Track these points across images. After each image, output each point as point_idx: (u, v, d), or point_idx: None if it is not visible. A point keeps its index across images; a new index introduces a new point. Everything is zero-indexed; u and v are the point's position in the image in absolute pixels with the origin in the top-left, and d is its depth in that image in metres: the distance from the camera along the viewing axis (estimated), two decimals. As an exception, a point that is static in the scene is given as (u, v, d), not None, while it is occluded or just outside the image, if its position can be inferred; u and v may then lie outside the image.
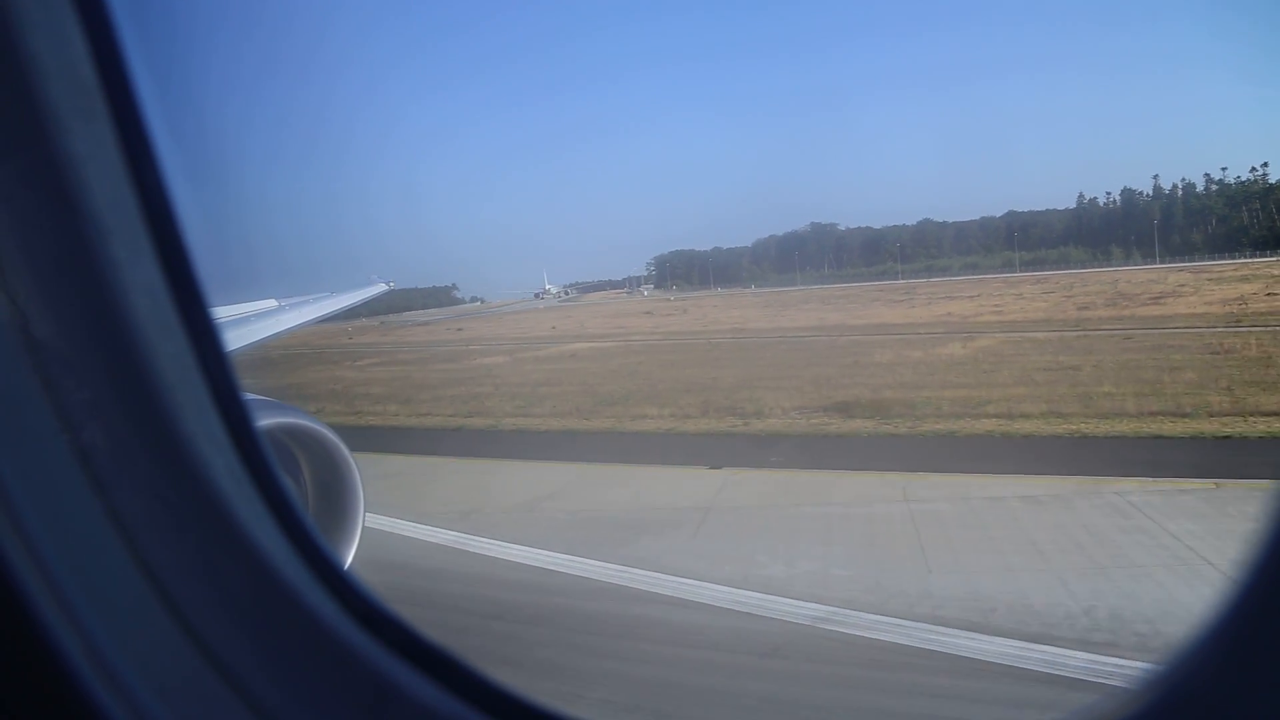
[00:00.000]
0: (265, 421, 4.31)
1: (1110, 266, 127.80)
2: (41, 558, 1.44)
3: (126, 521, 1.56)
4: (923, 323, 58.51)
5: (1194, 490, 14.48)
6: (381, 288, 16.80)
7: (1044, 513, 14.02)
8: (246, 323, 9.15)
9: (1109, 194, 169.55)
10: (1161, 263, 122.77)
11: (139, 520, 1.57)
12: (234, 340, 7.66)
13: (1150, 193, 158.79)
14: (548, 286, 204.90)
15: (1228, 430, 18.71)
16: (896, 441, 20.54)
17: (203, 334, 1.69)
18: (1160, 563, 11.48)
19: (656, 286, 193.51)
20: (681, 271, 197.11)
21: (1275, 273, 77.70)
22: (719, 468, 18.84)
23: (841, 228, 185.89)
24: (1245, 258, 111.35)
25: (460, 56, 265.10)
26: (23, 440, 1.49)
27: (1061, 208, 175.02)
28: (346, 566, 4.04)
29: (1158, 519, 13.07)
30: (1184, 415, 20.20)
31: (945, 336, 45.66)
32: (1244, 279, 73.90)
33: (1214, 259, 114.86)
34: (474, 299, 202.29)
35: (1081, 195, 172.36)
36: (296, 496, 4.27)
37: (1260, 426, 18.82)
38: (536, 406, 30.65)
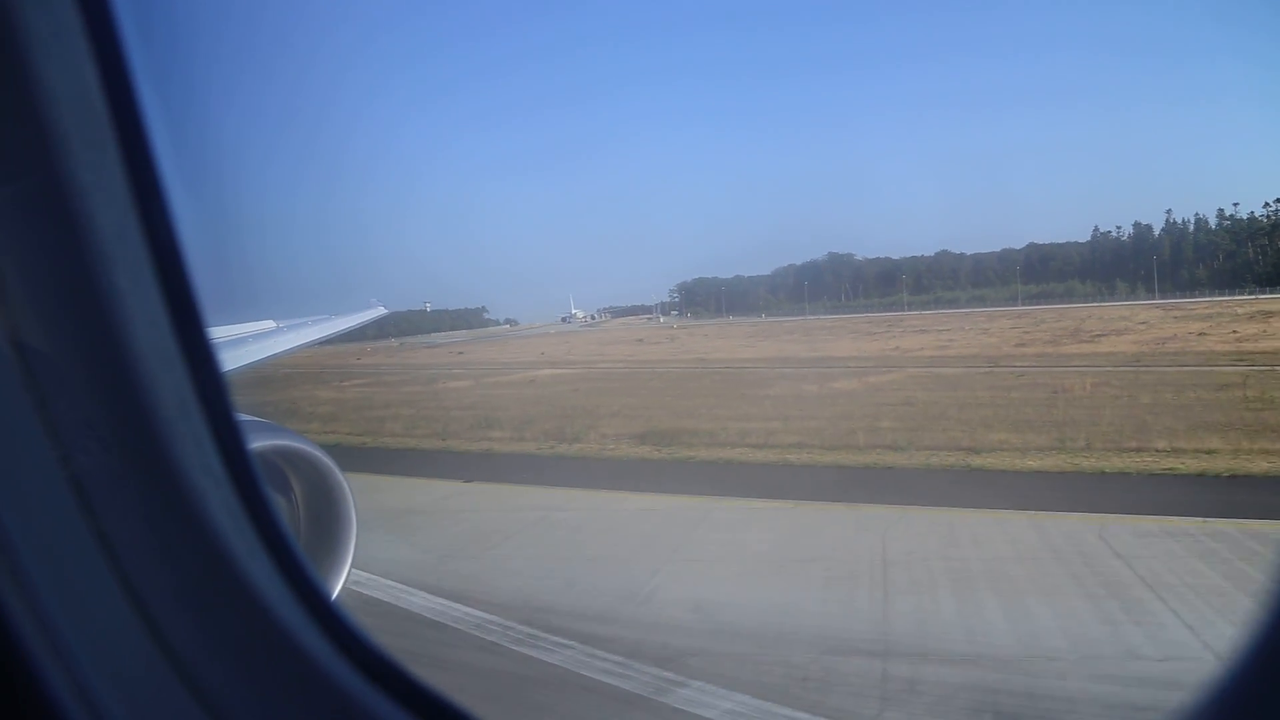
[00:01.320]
0: (258, 443, 4.27)
1: (1113, 301, 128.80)
2: (26, 578, 1.42)
3: (116, 547, 1.55)
4: (867, 356, 61.73)
5: (787, 508, 17.84)
6: (380, 310, 17.18)
7: (636, 521, 17.62)
8: (244, 344, 9.16)
9: (1118, 228, 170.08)
10: (1162, 298, 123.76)
11: (129, 546, 1.56)
12: (230, 361, 7.56)
13: (1163, 227, 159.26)
14: (574, 311, 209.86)
15: (914, 463, 22.02)
16: (640, 464, 24.22)
17: (203, 366, 1.70)
18: (636, 556, 14.89)
19: (678, 313, 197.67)
20: (702, 299, 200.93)
21: (1239, 311, 79.40)
22: (469, 480, 22.62)
23: (858, 258, 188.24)
24: (1249, 294, 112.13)
25: (501, 95, 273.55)
26: (14, 460, 1.48)
27: (1081, 240, 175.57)
28: (336, 594, 4.30)
29: (701, 527, 16.57)
30: (901, 449, 23.73)
31: (863, 371, 49.03)
32: (1205, 317, 75.71)
33: (1216, 295, 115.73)
34: (508, 321, 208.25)
35: (1096, 229, 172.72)
36: (291, 531, 4.32)
37: (950, 459, 21.94)
38: (423, 427, 34.87)
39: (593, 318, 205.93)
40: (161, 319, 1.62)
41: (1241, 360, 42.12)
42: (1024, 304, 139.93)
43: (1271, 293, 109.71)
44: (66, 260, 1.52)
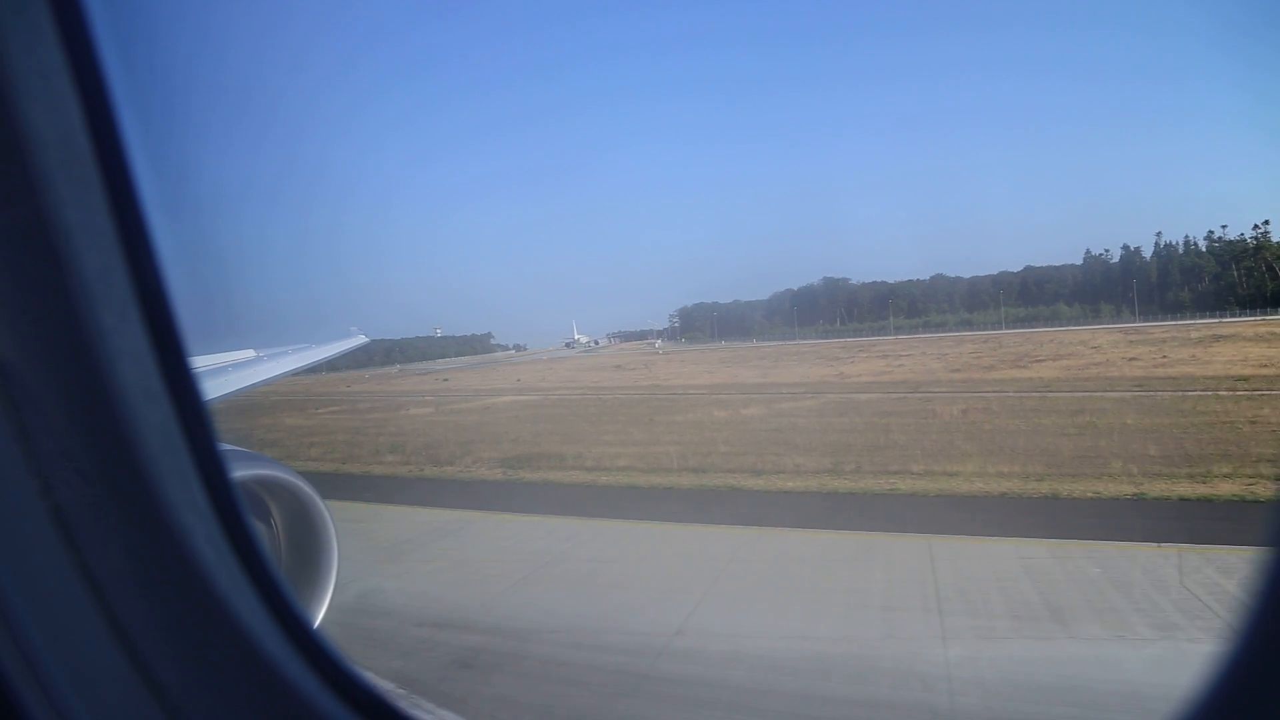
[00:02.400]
0: (240, 472, 4.21)
1: (1096, 325, 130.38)
2: (8, 611, 1.46)
3: (99, 579, 1.56)
4: (805, 382, 63.86)
5: (531, 521, 21.27)
6: (361, 339, 17.47)
7: (401, 527, 21.11)
8: (224, 373, 9.22)
9: (1106, 250, 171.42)
10: (1145, 320, 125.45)
11: (112, 578, 1.56)
12: (210, 390, 7.61)
13: (1153, 250, 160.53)
14: (577, 336, 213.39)
15: (696, 483, 25.09)
16: (479, 485, 27.66)
17: (187, 399, 1.70)
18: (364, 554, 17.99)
19: (673, 338, 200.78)
20: (700, 323, 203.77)
21: (1193, 335, 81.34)
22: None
23: (853, 282, 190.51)
24: (1231, 316, 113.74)
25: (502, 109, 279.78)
26: None
27: (1076, 264, 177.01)
28: (318, 622, 4.34)
29: (444, 534, 19.92)
30: (704, 471, 26.66)
31: (784, 397, 51.71)
32: (1156, 342, 77.70)
33: (1198, 318, 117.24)
34: (517, 346, 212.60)
35: (1088, 252, 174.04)
36: (275, 561, 4.29)
37: (729, 480, 25.02)
38: (339, 452, 38.16)
39: (596, 343, 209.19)
40: (145, 353, 1.62)
41: (1142, 386, 44.50)
42: (1008, 328, 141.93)
43: (1250, 315, 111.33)
44: (52, 295, 1.52)
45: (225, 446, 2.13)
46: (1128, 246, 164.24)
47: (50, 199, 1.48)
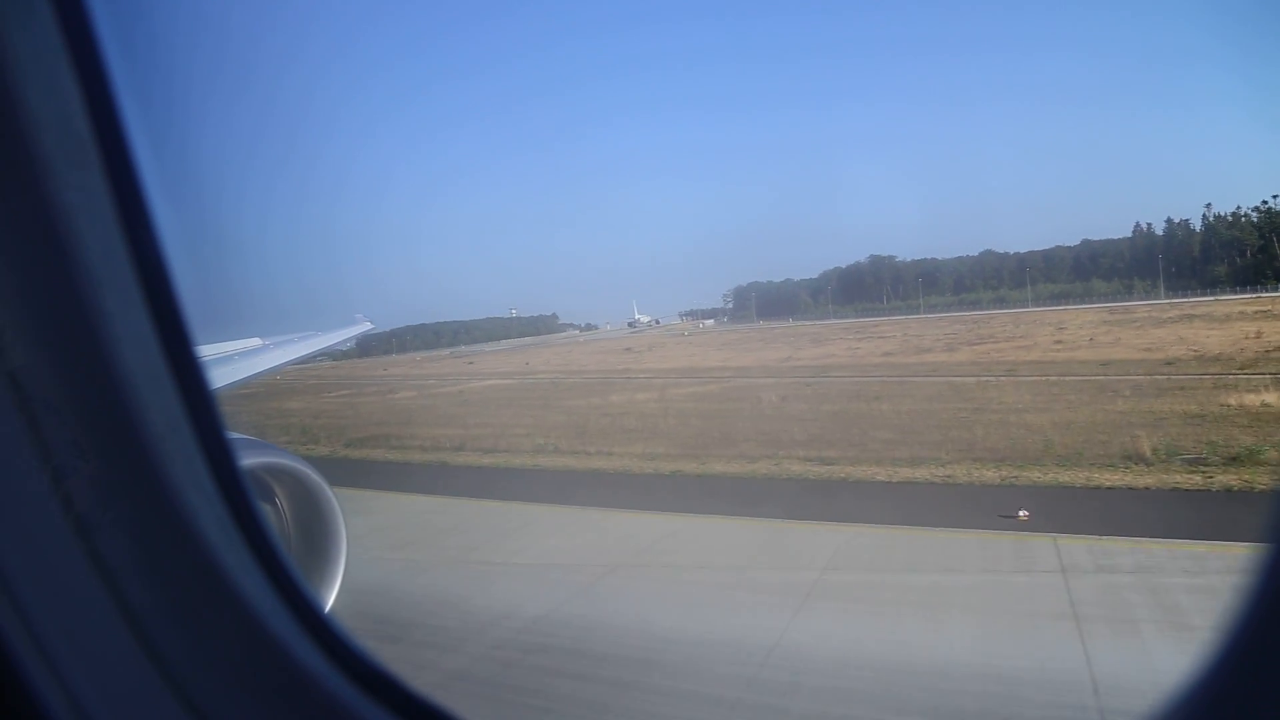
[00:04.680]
0: (247, 461, 4.26)
1: (1129, 301, 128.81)
2: (19, 597, 1.46)
3: (109, 564, 1.56)
4: (752, 366, 67.37)
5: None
6: (366, 325, 17.40)
7: None
8: (230, 361, 9.30)
9: (1147, 224, 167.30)
10: (1170, 297, 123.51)
11: (122, 564, 1.57)
12: (216, 379, 7.57)
13: (1199, 222, 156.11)
14: (638, 316, 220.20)
15: (507, 463, 30.40)
16: (342, 463, 32.62)
17: (192, 384, 1.71)
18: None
19: (728, 317, 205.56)
20: (752, 302, 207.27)
21: (1168, 315, 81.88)
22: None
23: (898, 259, 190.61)
24: (1270, 291, 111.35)
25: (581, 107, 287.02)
26: (5, 480, 1.50)
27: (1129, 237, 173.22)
28: (329, 608, 4.42)
29: None
30: (519, 452, 32.29)
31: (707, 382, 56.23)
32: (1132, 322, 78.84)
33: (1230, 293, 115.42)
34: (588, 325, 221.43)
35: (1137, 224, 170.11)
36: (283, 546, 3.59)
37: (561, 461, 29.84)
38: (283, 436, 45.64)
39: (657, 321, 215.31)
40: (150, 338, 1.63)
41: (1012, 372, 47.17)
42: (1036, 305, 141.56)
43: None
44: (54, 281, 1.51)
45: (232, 435, 2.21)
46: (1171, 219, 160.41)
47: (50, 183, 1.48)
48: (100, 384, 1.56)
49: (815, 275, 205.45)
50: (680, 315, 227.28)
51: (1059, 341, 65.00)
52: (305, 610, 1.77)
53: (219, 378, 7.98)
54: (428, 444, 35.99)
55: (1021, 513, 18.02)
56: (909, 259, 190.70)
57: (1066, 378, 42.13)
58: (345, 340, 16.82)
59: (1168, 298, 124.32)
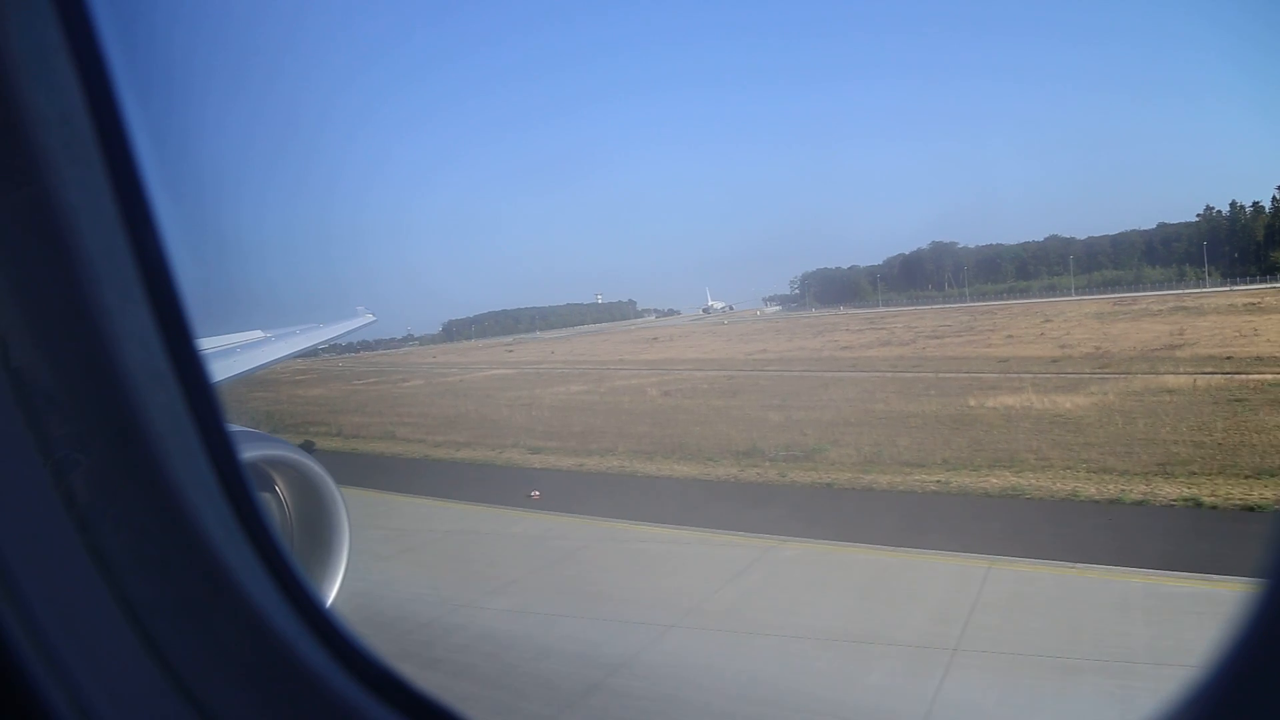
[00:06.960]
0: (249, 453, 4.29)
1: (1178, 289, 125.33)
2: (21, 594, 1.46)
3: (110, 561, 1.56)
4: (733, 358, 70.28)
5: None
6: (369, 318, 17.33)
7: None
8: (232, 354, 9.29)
9: (1214, 209, 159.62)
10: (1220, 284, 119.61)
11: (124, 560, 1.57)
12: (219, 372, 7.55)
13: (1270, 206, 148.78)
14: (711, 302, 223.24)
15: (389, 450, 36.73)
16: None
17: (194, 380, 1.71)
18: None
19: (786, 305, 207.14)
20: (817, 289, 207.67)
21: (1157, 307, 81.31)
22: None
23: (960, 245, 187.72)
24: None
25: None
26: (6, 476, 1.50)
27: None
28: (330, 601, 4.44)
29: None
30: (409, 441, 38.39)
31: (663, 373, 60.23)
32: (1128, 314, 78.91)
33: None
34: (670, 311, 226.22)
35: (1207, 206, 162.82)
36: (285, 540, 4.40)
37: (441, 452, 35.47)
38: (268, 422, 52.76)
39: (731, 308, 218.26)
40: (151, 334, 1.63)
41: (946, 368, 49.41)
42: (1079, 294, 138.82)
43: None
44: (56, 277, 1.51)
45: (235, 428, 2.25)
46: (1235, 203, 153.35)
47: (51, 180, 1.48)
48: (102, 380, 1.58)
49: (880, 261, 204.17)
50: (764, 300, 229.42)
51: (1011, 336, 66.40)
52: (307, 606, 1.79)
53: (219, 370, 7.93)
54: (333, 431, 42.46)
55: (533, 493, 21.58)
56: (973, 245, 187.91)
57: (942, 375, 44.89)
58: (349, 332, 16.98)
59: (1221, 284, 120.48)
